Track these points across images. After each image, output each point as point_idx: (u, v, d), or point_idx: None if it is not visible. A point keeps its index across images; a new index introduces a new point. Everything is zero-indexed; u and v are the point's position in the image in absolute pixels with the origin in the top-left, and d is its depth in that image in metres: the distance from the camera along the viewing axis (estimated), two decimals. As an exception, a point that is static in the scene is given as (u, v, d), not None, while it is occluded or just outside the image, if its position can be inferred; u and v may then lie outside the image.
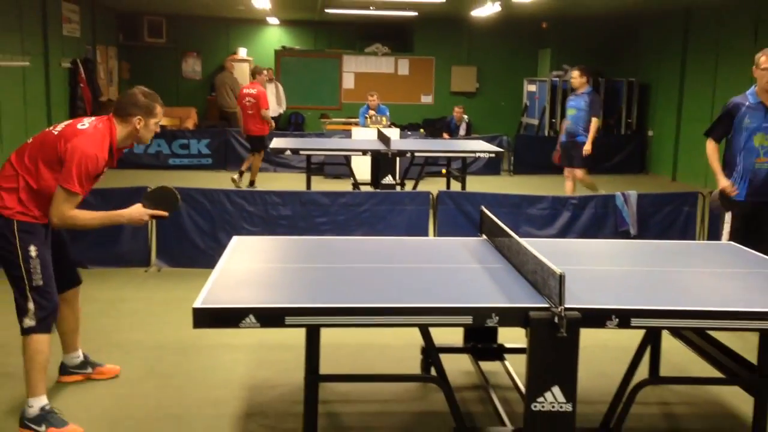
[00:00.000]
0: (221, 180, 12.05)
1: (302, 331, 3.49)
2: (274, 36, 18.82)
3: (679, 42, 14.08)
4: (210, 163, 14.03)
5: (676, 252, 4.96)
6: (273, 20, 18.02)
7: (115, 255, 7.11)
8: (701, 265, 4.44)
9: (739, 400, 4.08)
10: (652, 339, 4.03)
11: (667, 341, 4.41)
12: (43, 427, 3.85)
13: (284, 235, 6.58)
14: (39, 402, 3.90)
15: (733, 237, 5.56)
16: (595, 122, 9.83)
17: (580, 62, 16.26)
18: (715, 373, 3.89)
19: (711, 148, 5.97)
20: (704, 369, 3.98)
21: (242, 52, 18.12)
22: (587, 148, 9.77)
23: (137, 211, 4.10)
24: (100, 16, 15.89)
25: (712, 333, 3.96)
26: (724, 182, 5.81)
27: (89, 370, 4.57)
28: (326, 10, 15.05)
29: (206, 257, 6.70)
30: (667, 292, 3.80)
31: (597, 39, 16.79)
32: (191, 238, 7.16)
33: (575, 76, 10.10)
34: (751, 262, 4.39)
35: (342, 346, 5.00)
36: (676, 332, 4.18)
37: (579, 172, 10.04)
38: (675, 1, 12.80)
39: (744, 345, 3.72)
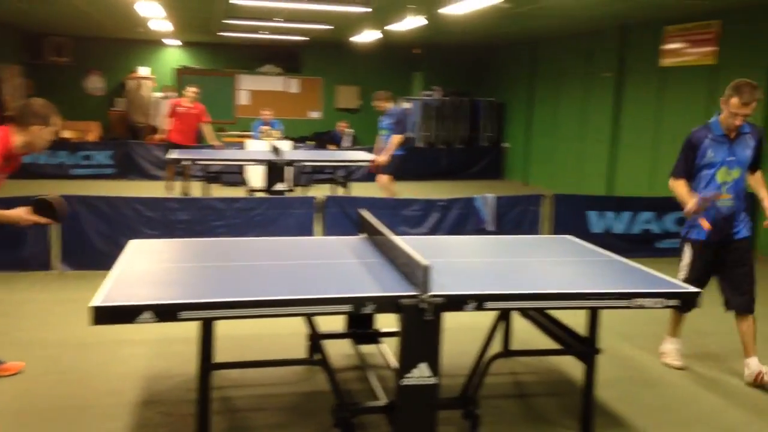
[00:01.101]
0: (123, 188, 11.56)
1: (197, 325, 3.42)
2: (174, 55, 18.26)
3: (528, 67, 14.70)
4: (112, 173, 13.46)
5: (524, 245, 5.17)
6: (173, 41, 17.50)
7: (18, 259, 6.70)
8: (544, 255, 4.65)
9: (574, 367, 4.30)
10: (503, 319, 4.21)
11: (517, 321, 4.59)
12: None
13: (181, 238, 6.40)
14: None
15: (690, 271, 4.74)
16: (395, 138, 9.81)
17: (447, 84, 16.77)
18: (555, 346, 4.08)
19: (678, 185, 4.71)
20: (547, 343, 4.18)
21: (143, 71, 17.48)
22: (382, 159, 9.77)
23: (18, 214, 3.98)
24: (5, 37, 14.97)
25: (553, 312, 4.16)
26: (689, 205, 4.62)
27: (-7, 367, 4.30)
28: (219, 33, 14.76)
29: (108, 260, 6.29)
30: (516, 278, 3.97)
31: (462, 64, 17.30)
32: (93, 242, 6.85)
33: (379, 100, 10.02)
34: (583, 252, 4.64)
35: (235, 337, 4.92)
36: (523, 312, 4.36)
37: (384, 178, 9.95)
38: (524, 33, 13.34)
39: (577, 321, 3.92)
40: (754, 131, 4.60)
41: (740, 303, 4.66)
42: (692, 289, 3.63)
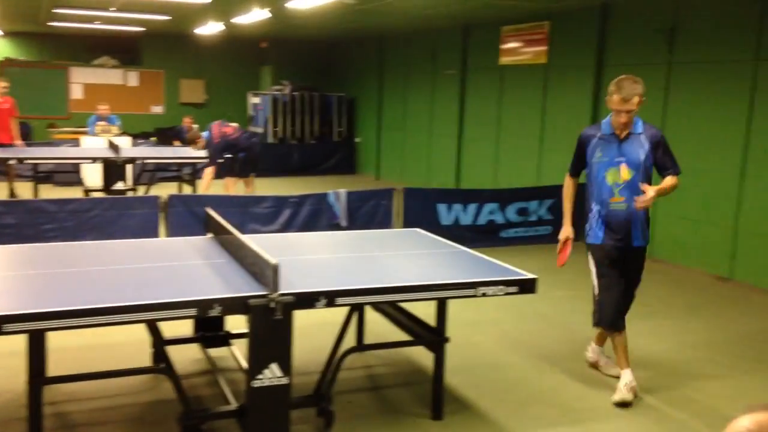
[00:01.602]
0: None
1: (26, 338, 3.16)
2: (-3, 46, 16.75)
3: (377, 64, 14.96)
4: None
5: (375, 239, 5.25)
6: (-6, 30, 16.03)
7: None
8: (395, 249, 4.75)
9: (425, 356, 4.43)
10: (356, 314, 4.25)
11: (371, 314, 4.66)
12: None
13: (8, 244, 5.89)
14: None
15: (600, 284, 4.42)
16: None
17: (296, 79, 16.68)
18: (407, 337, 4.19)
19: (566, 184, 4.68)
20: (399, 334, 4.27)
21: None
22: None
23: None
24: None
25: (404, 304, 4.26)
26: (562, 232, 4.56)
27: None
28: (50, 23, 13.72)
29: None
30: (368, 272, 4.02)
31: (311, 58, 17.28)
32: None
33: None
34: (431, 244, 4.79)
35: (72, 348, 4.61)
36: (375, 306, 4.43)
37: (207, 169, 9.53)
38: (372, 29, 13.56)
39: (428, 311, 4.04)
40: (650, 133, 4.25)
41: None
42: (529, 275, 3.85)
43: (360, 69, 15.91)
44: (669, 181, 4.25)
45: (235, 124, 9.76)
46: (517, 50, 10.55)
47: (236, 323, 4.19)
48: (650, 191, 4.09)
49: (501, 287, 3.73)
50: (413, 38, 13.43)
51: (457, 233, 7.73)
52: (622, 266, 4.36)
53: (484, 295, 3.70)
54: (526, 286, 3.82)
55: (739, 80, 7.08)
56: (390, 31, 13.79)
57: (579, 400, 4.30)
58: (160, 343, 3.60)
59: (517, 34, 10.51)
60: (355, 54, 16.14)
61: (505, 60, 10.81)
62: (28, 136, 16.08)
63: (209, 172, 9.28)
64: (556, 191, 8.76)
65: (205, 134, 9.38)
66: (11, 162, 9.22)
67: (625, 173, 4.26)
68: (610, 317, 4.37)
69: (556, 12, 9.66)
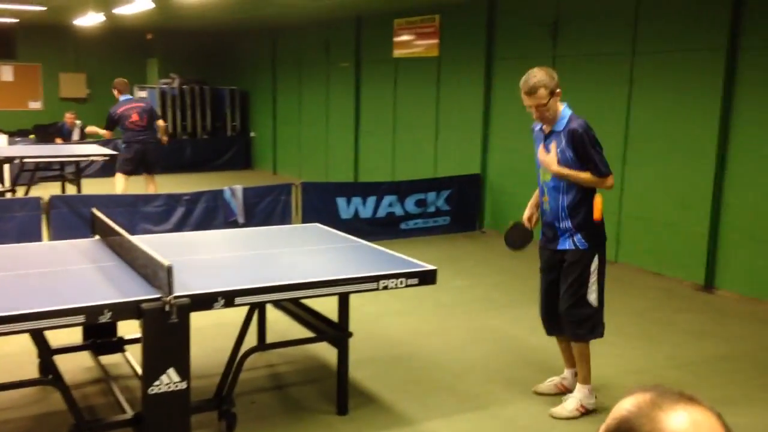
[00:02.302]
0: None
1: None
2: None
3: (269, 56, 14.75)
4: None
5: (274, 236, 5.20)
6: None
7: None
8: (294, 245, 4.71)
9: (328, 351, 4.43)
10: (257, 312, 4.18)
11: (273, 312, 4.60)
12: None
13: None
14: None
15: (541, 296, 4.19)
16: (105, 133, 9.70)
17: (185, 72, 16.19)
18: (309, 334, 4.17)
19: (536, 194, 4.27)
20: (302, 332, 4.24)
21: None
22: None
23: None
24: None
25: (307, 300, 4.23)
26: (525, 213, 4.28)
27: None
28: None
29: None
30: (268, 270, 3.97)
31: (200, 51, 16.79)
32: None
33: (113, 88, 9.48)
34: (331, 239, 4.79)
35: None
36: (276, 304, 4.38)
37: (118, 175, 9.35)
38: (265, 21, 13.34)
39: (329, 307, 4.04)
40: (568, 129, 3.89)
41: (563, 329, 4.09)
42: (429, 267, 3.92)
43: (253, 61, 15.63)
44: (582, 173, 3.88)
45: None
46: (409, 43, 10.68)
47: (130, 328, 4.04)
48: (553, 164, 3.87)
49: (402, 279, 3.78)
50: (306, 30, 13.33)
51: (357, 227, 7.77)
52: (552, 271, 4.05)
53: (385, 288, 3.73)
54: (427, 278, 3.88)
55: (618, 72, 7.48)
56: (283, 22, 13.62)
57: (480, 386, 4.43)
58: (47, 353, 3.41)
59: (410, 26, 10.65)
60: (247, 46, 15.85)
61: (398, 53, 10.92)
62: None
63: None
64: (453, 182, 8.98)
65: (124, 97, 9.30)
66: None
67: (546, 173, 4.01)
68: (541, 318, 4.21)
69: (446, 5, 9.86)
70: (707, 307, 6.12)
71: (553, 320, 4.13)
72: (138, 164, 9.35)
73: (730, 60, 6.40)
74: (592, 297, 3.96)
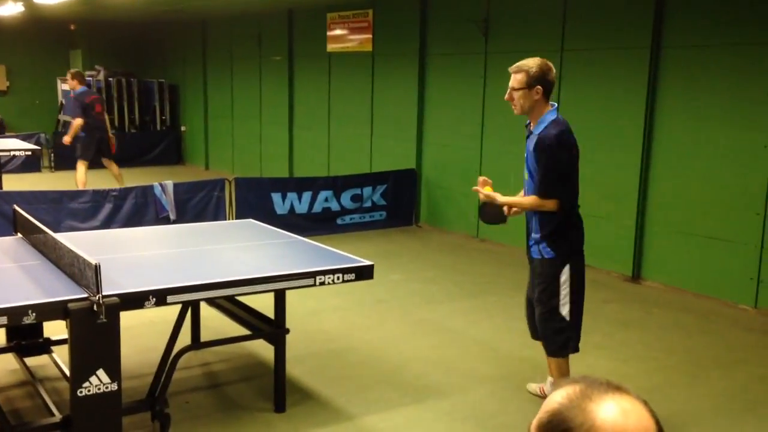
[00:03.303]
0: None
1: None
2: None
3: (200, 48, 14.45)
4: None
5: (207, 232, 5.11)
6: None
7: None
8: (228, 241, 4.64)
9: (265, 348, 4.39)
10: (190, 310, 4.10)
11: (207, 310, 4.52)
12: None
13: None
14: None
15: (526, 300, 4.08)
16: (75, 122, 9.68)
17: (111, 63, 15.72)
18: (245, 331, 4.12)
19: None
20: (238, 329, 4.19)
21: None
22: (65, 140, 9.84)
23: None
24: None
25: (242, 297, 4.17)
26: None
27: None
28: None
29: None
30: (201, 267, 3.90)
31: (127, 42, 16.32)
32: None
33: (68, 80, 10.00)
34: (266, 235, 4.74)
35: None
36: (210, 301, 4.31)
37: (78, 165, 9.75)
38: (191, 10, 13.05)
39: (265, 304, 4.00)
40: (540, 135, 3.69)
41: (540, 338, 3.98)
42: (366, 262, 3.92)
43: (182, 53, 15.28)
44: (526, 200, 3.77)
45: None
46: (343, 37, 10.65)
47: (57, 328, 3.90)
48: (491, 193, 3.76)
49: (339, 275, 3.77)
50: (237, 22, 13.12)
51: (293, 222, 7.71)
52: (532, 278, 3.92)
53: (322, 284, 3.72)
54: (364, 273, 3.89)
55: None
56: (213, 13, 13.36)
57: (419, 379, 4.46)
58: (-35, 358, 3.25)
59: (343, 21, 10.62)
60: (177, 37, 15.47)
61: (332, 47, 10.88)
62: None
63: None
64: (388, 177, 9.01)
65: (82, 89, 9.67)
66: None
67: (525, 174, 3.86)
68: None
69: (379, 0, 9.88)
70: (634, 297, 6.34)
71: (534, 327, 4.00)
72: (97, 152, 9.78)
73: (654, 58, 6.64)
74: (565, 310, 3.75)
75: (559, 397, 1.03)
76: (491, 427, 3.88)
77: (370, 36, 10.09)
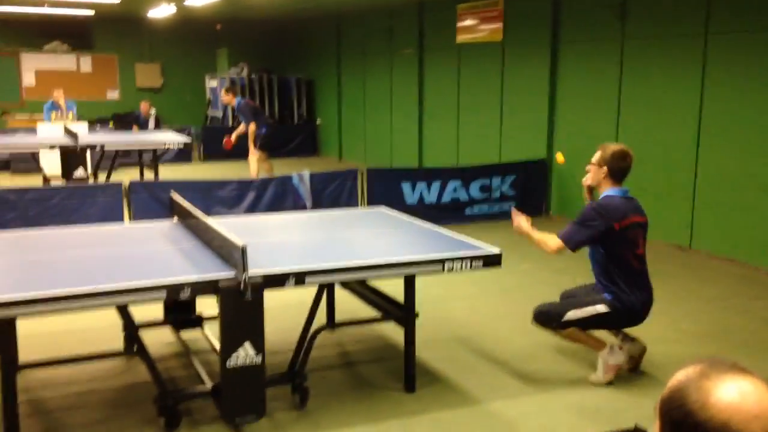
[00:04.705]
0: None
1: (-6, 326, 3.15)
2: (-60, 32, 16.22)
3: (334, 44, 14.90)
4: None
5: (342, 219, 5.31)
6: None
7: None
8: (361, 228, 4.82)
9: (395, 331, 4.53)
10: (326, 292, 4.31)
11: (340, 294, 4.72)
12: None
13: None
14: None
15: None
16: (242, 126, 10.48)
17: (253, 61, 16.54)
18: (377, 314, 4.27)
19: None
20: (369, 312, 4.35)
21: None
22: (230, 139, 10.48)
23: None
24: None
25: (373, 281, 4.34)
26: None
27: None
28: (-3, 7, 13.34)
29: None
30: (336, 251, 4.09)
31: (267, 40, 17.12)
32: None
33: (222, 96, 10.85)
34: (397, 223, 4.87)
35: (42, 335, 4.59)
36: (344, 284, 4.50)
37: (253, 156, 10.46)
38: (327, 7, 13.47)
39: (397, 288, 4.12)
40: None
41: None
42: (494, 250, 3.96)
43: (318, 49, 15.82)
44: (537, 234, 4.22)
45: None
46: (473, 28, 10.62)
47: (207, 305, 4.23)
48: (522, 223, 4.23)
49: (467, 262, 3.83)
50: (370, 17, 13.39)
51: (422, 212, 7.82)
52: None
53: (450, 270, 3.79)
54: (492, 260, 3.92)
55: (691, 53, 7.26)
56: (346, 9, 13.73)
57: (546, 369, 4.44)
58: (132, 327, 3.61)
59: (473, 11, 10.58)
60: (313, 34, 16.04)
61: (462, 38, 10.88)
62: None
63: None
64: (517, 168, 8.93)
65: (239, 100, 10.46)
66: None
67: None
68: None
69: (511, -11, 9.76)
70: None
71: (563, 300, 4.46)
72: (267, 146, 10.65)
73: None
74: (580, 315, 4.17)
75: (681, 376, 1.05)
76: (623, 420, 3.79)
77: (501, 25, 10.00)
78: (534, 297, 5.81)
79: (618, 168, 4.15)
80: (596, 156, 4.22)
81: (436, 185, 8.58)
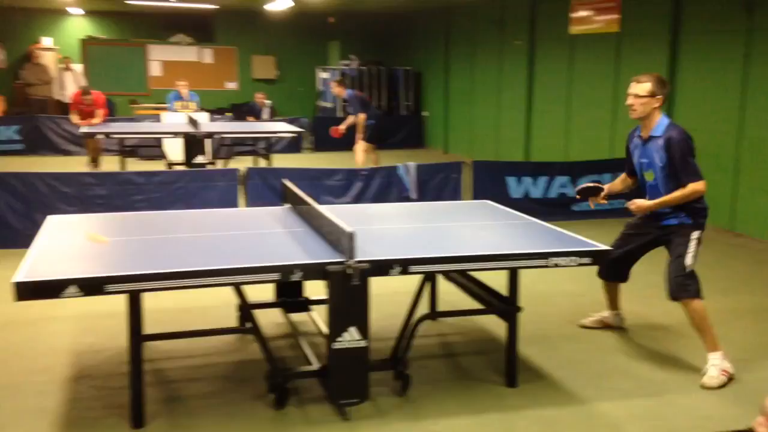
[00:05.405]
0: (34, 164, 11.08)
1: (124, 300, 3.39)
2: (79, 25, 17.43)
3: (442, 36, 14.86)
4: (22, 149, 12.89)
5: (446, 210, 5.33)
6: (76, 10, 16.69)
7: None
8: (465, 220, 4.81)
9: (497, 325, 4.50)
10: (429, 282, 4.34)
11: (443, 284, 4.75)
12: None
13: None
14: None
15: (619, 245, 4.69)
16: (350, 118, 10.69)
17: (363, 53, 16.77)
18: (479, 306, 4.26)
19: (618, 179, 4.81)
20: (471, 303, 4.35)
21: (46, 41, 16.63)
22: (339, 129, 10.65)
23: None
24: None
25: (475, 273, 4.33)
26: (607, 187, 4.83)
27: None
28: (127, 1, 14.20)
29: (23, 238, 6.14)
30: (439, 242, 4.11)
31: (377, 33, 17.32)
32: (6, 219, 6.60)
33: (333, 88, 11.22)
34: (501, 216, 4.83)
35: (163, 311, 4.89)
36: (447, 275, 4.51)
37: (359, 147, 10.59)
38: (438, 0, 13.45)
39: (499, 281, 4.10)
40: (666, 136, 4.19)
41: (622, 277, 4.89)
42: (603, 246, 3.86)
43: (426, 41, 15.83)
44: (670, 196, 4.21)
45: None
46: (588, 19, 10.31)
47: (314, 289, 4.36)
48: (643, 203, 4.30)
49: (574, 258, 3.74)
50: (480, 8, 13.26)
51: (527, 206, 7.65)
52: (646, 235, 4.61)
53: (556, 265, 3.72)
54: (600, 258, 3.82)
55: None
56: (456, 1, 13.65)
57: (656, 372, 4.28)
58: (245, 306, 3.79)
59: (588, 1, 10.27)
60: (421, 26, 16.07)
61: (575, 29, 10.58)
62: (112, 112, 16.80)
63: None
64: (628, 163, 8.60)
65: (349, 92, 10.75)
66: (99, 137, 9.66)
67: (648, 175, 4.36)
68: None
69: (630, -21, 9.40)
70: None
71: (618, 269, 4.69)
72: (376, 137, 10.81)
73: None
74: (689, 261, 4.23)
75: None
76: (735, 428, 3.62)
77: (618, 16, 9.66)
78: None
79: (667, 94, 4.26)
80: (644, 88, 4.19)
81: (542, 180, 8.42)
